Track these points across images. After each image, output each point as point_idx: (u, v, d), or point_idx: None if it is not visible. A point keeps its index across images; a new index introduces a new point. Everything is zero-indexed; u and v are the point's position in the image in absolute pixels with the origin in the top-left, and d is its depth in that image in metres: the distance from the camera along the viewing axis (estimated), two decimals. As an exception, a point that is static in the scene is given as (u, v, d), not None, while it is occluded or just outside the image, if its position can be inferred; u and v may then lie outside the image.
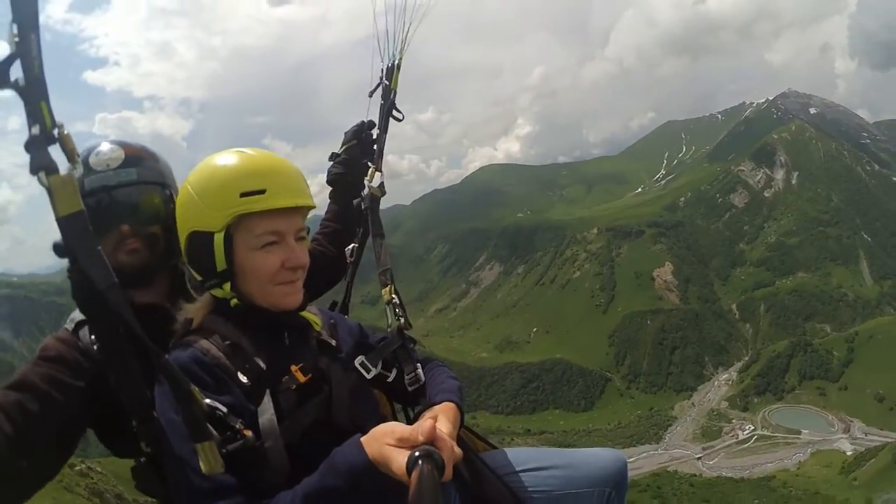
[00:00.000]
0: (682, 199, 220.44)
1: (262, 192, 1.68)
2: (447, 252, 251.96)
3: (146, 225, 2.05)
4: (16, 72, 1.26)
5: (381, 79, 2.87)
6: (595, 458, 2.23)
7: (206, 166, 1.76)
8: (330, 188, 2.91)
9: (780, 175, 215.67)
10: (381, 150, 2.79)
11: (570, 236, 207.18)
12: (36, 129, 1.27)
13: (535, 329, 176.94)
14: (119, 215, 2.00)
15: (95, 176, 1.99)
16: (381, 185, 2.65)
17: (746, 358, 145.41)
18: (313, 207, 1.85)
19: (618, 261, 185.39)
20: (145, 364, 1.52)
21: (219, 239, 1.69)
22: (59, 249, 1.54)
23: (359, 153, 2.81)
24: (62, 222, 1.35)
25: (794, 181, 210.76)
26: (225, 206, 1.68)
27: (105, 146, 2.07)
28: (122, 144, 2.11)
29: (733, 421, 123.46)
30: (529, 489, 2.09)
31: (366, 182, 2.66)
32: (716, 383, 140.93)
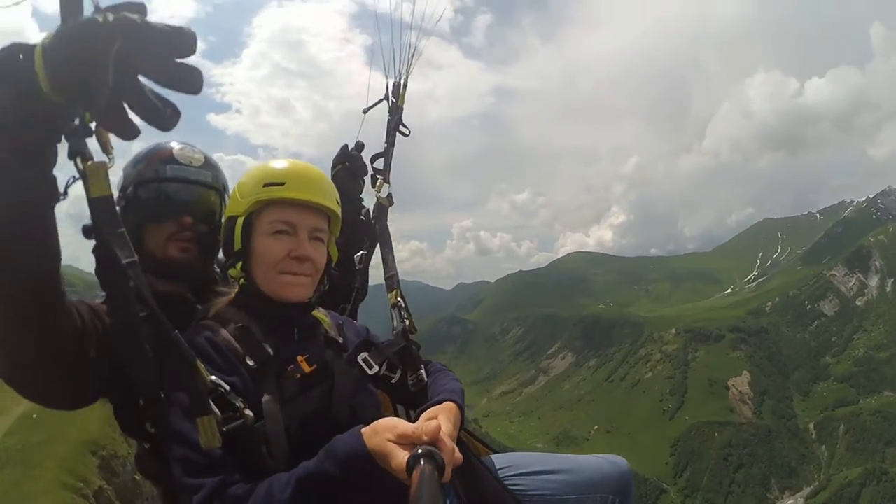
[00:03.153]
0: (770, 303, 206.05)
1: (282, 184, 1.84)
2: (522, 335, 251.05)
3: (204, 223, 2.20)
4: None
5: (388, 96, 2.98)
6: (598, 463, 2.24)
7: (251, 168, 1.95)
8: None
9: (874, 282, 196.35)
10: (388, 162, 2.88)
11: (648, 334, 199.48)
12: (76, 121, 1.39)
13: (595, 427, 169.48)
14: (187, 206, 2.15)
15: (178, 166, 2.17)
16: (389, 195, 2.76)
17: (816, 483, 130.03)
18: (333, 211, 1.97)
19: (693, 365, 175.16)
20: (156, 345, 1.61)
21: (239, 221, 1.86)
22: (86, 230, 1.71)
23: (347, 176, 2.90)
24: (93, 203, 1.49)
25: (888, 288, 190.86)
26: (250, 193, 1.85)
27: (182, 144, 2.25)
28: (199, 150, 2.29)
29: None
30: (529, 492, 2.09)
31: (374, 192, 2.78)
32: None
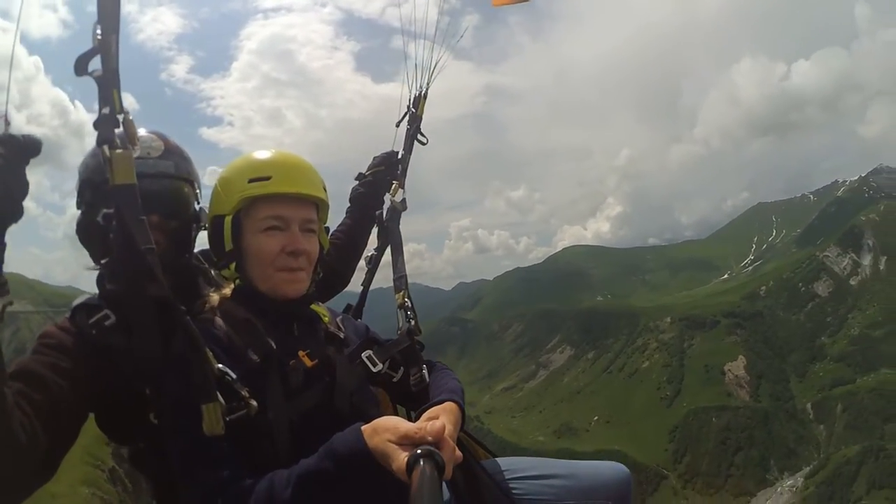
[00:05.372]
0: (764, 287, 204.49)
1: (268, 178, 1.81)
2: (521, 331, 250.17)
3: (173, 219, 2.11)
4: (95, 65, 1.51)
5: (409, 107, 3.06)
6: (597, 470, 2.20)
7: (232, 161, 1.93)
8: (349, 204, 3.11)
9: (867, 260, 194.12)
10: (404, 168, 2.98)
11: (644, 324, 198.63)
12: (106, 110, 1.50)
13: (596, 417, 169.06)
14: (152, 203, 1.96)
15: (135, 160, 1.91)
16: (403, 200, 2.82)
17: (815, 463, 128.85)
18: (322, 200, 1.95)
19: (689, 352, 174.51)
20: (162, 333, 1.63)
21: (227, 221, 1.84)
22: (107, 218, 1.76)
23: (384, 177, 2.97)
24: (117, 189, 1.55)
25: (881, 267, 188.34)
26: (235, 190, 1.82)
27: (143, 133, 2.08)
28: (160, 136, 2.15)
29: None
30: (527, 497, 2.07)
31: (388, 196, 2.86)
32: (779, 489, 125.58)
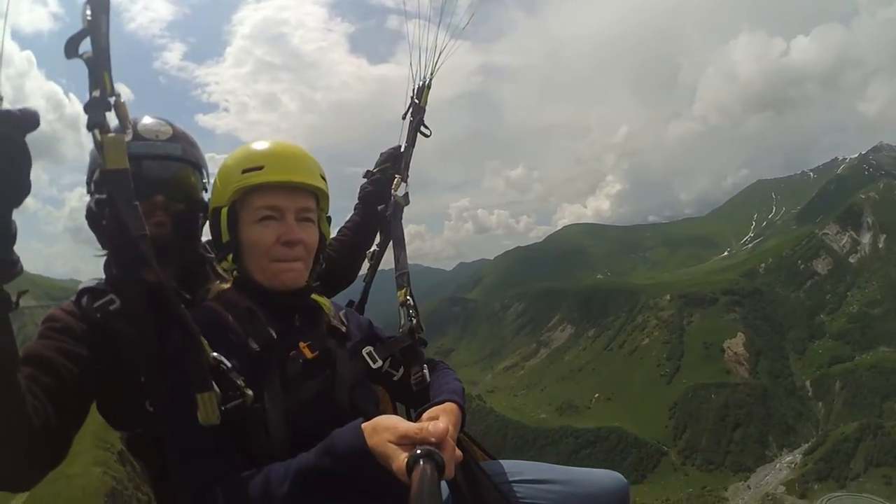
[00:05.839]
0: (763, 265, 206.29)
1: (260, 168, 1.79)
2: (522, 310, 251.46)
3: (179, 201, 2.10)
4: (85, 47, 1.46)
5: (412, 98, 3.00)
6: (595, 477, 2.19)
7: (231, 152, 1.92)
8: (349, 190, 3.08)
9: (866, 239, 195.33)
10: (407, 162, 2.92)
11: (643, 302, 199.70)
12: (97, 93, 1.45)
13: (596, 395, 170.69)
14: (157, 184, 2.02)
15: (143, 142, 2.03)
16: (406, 194, 2.78)
17: (814, 440, 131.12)
18: (318, 188, 1.91)
19: (688, 329, 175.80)
20: (159, 322, 1.63)
21: (224, 212, 1.83)
22: (99, 203, 1.77)
23: (392, 174, 2.93)
24: (108, 174, 1.51)
25: (880, 245, 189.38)
26: (230, 181, 1.81)
27: (151, 119, 2.13)
28: (168, 122, 2.17)
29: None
30: (524, 500, 2.06)
31: (392, 191, 2.80)
32: (778, 466, 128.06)
